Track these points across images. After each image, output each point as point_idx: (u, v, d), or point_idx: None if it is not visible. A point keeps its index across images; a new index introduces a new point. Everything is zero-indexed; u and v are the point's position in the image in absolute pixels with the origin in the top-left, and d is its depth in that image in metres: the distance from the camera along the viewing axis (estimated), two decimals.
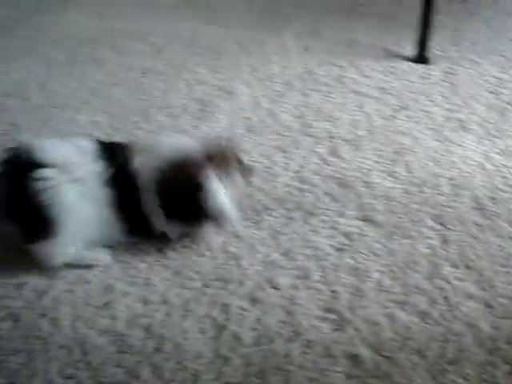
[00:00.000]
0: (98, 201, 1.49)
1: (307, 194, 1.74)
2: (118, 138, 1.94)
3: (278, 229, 1.63)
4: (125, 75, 2.36)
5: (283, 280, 1.48)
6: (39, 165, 1.45)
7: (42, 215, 1.45)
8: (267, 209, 1.69)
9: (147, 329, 1.37)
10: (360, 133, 2.02)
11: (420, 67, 2.40)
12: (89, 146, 1.52)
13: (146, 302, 1.43)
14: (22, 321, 1.39)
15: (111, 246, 1.55)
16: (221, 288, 1.46)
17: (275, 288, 1.46)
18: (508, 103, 2.19)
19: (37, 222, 1.46)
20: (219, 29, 2.71)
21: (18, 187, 1.46)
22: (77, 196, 1.47)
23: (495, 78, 2.36)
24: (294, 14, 2.84)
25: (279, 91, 2.25)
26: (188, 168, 1.50)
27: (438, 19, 2.63)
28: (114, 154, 1.52)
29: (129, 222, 1.54)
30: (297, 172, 1.83)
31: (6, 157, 1.50)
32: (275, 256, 1.55)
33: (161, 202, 1.51)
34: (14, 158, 1.49)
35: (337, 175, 1.82)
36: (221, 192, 1.50)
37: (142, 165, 1.51)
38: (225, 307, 1.41)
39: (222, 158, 1.55)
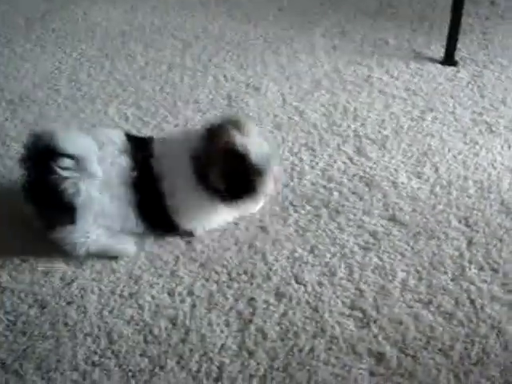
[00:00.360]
0: (119, 197, 1.50)
1: (334, 193, 1.75)
2: (146, 130, 1.97)
3: (304, 225, 1.64)
4: (153, 69, 2.37)
5: (309, 276, 1.49)
6: (62, 154, 1.46)
7: (60, 202, 1.46)
8: (293, 205, 1.70)
9: (173, 320, 1.38)
10: (387, 133, 2.01)
11: (448, 69, 2.39)
12: (116, 139, 1.54)
13: (172, 293, 1.45)
14: (49, 307, 1.41)
15: (138, 237, 1.57)
16: (246, 282, 1.48)
17: (301, 284, 1.47)
18: None
19: (55, 207, 1.48)
20: (247, 25, 2.72)
21: (40, 172, 1.47)
22: (96, 188, 1.48)
23: None
24: (323, 14, 2.83)
25: (307, 89, 2.25)
26: (221, 139, 1.47)
27: (467, 22, 2.63)
28: (139, 152, 1.53)
29: (150, 220, 1.55)
30: (324, 170, 1.83)
31: (31, 142, 1.50)
32: (301, 252, 1.56)
33: (213, 184, 1.49)
34: (38, 143, 1.49)
35: (363, 174, 1.82)
36: (260, 144, 1.50)
37: (165, 167, 1.52)
38: (250, 301, 1.43)
39: (227, 122, 1.53)
